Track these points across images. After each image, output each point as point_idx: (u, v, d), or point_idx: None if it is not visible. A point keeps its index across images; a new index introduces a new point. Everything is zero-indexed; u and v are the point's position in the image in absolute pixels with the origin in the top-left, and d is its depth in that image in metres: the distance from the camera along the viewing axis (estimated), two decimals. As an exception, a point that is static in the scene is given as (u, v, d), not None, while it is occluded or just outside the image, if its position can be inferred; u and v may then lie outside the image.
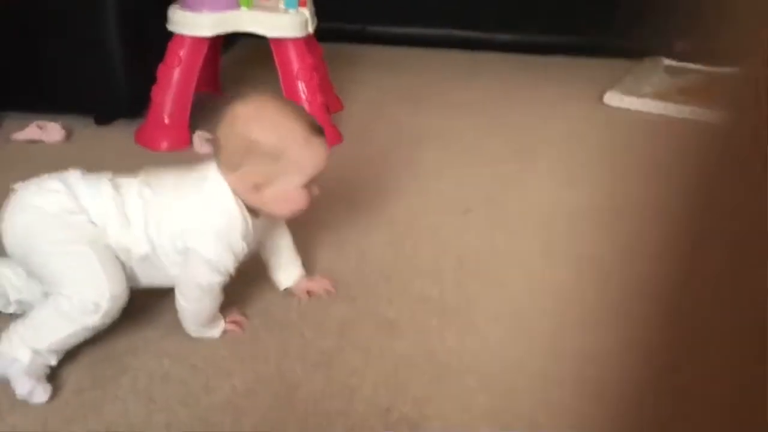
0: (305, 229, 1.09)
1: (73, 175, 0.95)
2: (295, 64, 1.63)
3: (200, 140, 1.62)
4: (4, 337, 0.88)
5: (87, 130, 1.69)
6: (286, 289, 1.09)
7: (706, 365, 0.44)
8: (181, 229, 0.93)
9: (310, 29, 1.65)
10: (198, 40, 1.59)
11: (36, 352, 0.86)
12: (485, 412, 0.88)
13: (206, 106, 1.84)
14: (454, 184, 1.52)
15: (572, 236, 1.31)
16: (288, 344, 0.99)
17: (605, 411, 0.86)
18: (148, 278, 0.96)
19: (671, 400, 0.47)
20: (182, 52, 1.59)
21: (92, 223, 0.92)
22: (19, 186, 0.95)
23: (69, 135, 1.65)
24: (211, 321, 0.98)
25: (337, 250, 1.23)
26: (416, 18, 2.54)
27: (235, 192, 0.93)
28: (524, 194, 1.48)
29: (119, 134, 1.68)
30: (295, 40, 1.61)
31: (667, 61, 2.40)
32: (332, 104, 1.89)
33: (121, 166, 1.51)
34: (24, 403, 0.86)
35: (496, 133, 1.82)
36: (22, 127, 1.63)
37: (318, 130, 0.95)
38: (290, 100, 0.98)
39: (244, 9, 1.58)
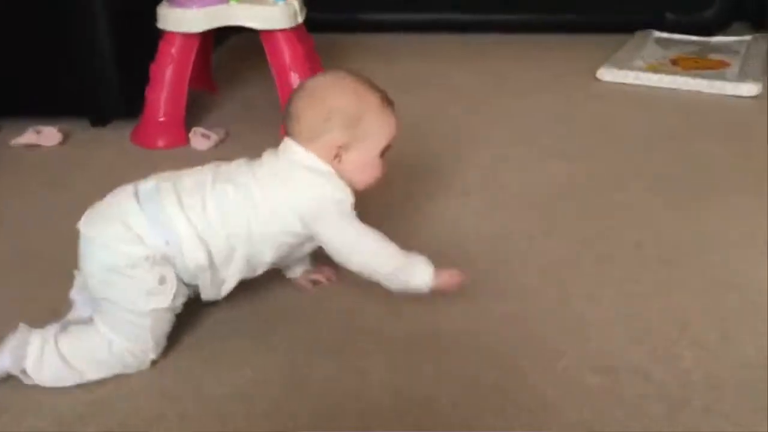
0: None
1: (133, 210, 0.90)
2: (287, 56, 1.62)
3: (197, 137, 1.62)
4: (38, 339, 0.88)
5: (83, 132, 1.69)
6: (292, 280, 1.09)
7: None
8: (285, 206, 0.92)
9: (300, 19, 1.65)
10: (189, 37, 1.59)
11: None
12: (493, 389, 0.89)
13: (200, 102, 1.85)
14: (454, 167, 1.52)
15: (573, 212, 1.32)
16: (297, 332, 0.99)
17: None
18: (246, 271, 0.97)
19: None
20: (173, 50, 1.59)
21: (166, 261, 0.90)
22: (85, 228, 0.91)
23: (66, 138, 1.65)
24: (405, 263, 0.94)
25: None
26: (408, 3, 2.53)
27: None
28: (523, 173, 1.48)
29: (115, 135, 1.68)
30: (285, 32, 1.61)
31: (658, 34, 2.40)
32: (326, 94, 1.89)
33: (120, 166, 1.53)
34: (38, 405, 0.87)
35: (493, 115, 1.82)
36: (19, 133, 1.63)
37: (390, 101, 0.98)
38: (359, 73, 1.00)
39: (233, 3, 1.58)
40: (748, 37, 2.31)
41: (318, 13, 2.06)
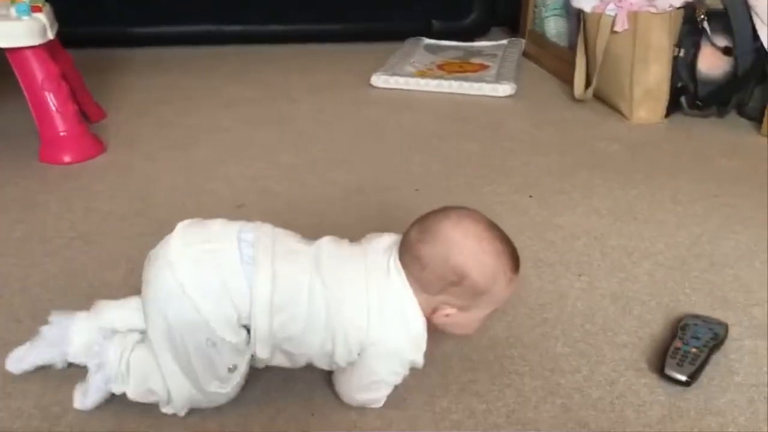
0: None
1: (233, 258, 0.79)
2: (39, 75, 1.51)
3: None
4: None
5: None
6: None
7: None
8: (359, 342, 0.82)
9: (50, 35, 1.54)
10: None
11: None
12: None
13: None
14: (228, 180, 1.50)
15: (346, 216, 1.35)
16: (49, 376, 0.92)
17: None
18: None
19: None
20: None
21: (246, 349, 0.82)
22: (178, 261, 0.79)
23: None
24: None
25: (102, 261, 1.17)
26: (181, 16, 2.47)
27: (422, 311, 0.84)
28: (298, 181, 1.50)
29: None
30: (34, 49, 1.49)
31: (427, 40, 2.54)
32: (92, 113, 1.79)
33: None
34: None
35: (270, 125, 1.83)
36: None
37: (518, 265, 0.86)
38: (495, 225, 0.85)
39: (-33, 19, 1.44)
40: (504, 41, 2.53)
41: (81, 28, 1.94)
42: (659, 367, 0.93)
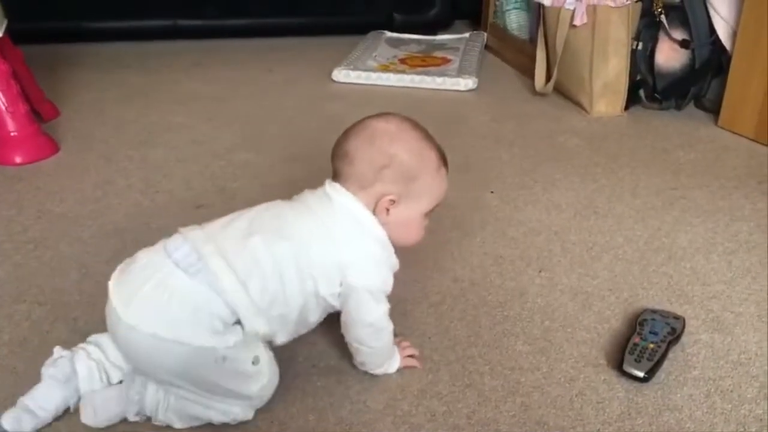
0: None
1: (186, 285, 0.78)
2: (-13, 73, 1.47)
3: None
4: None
5: None
6: None
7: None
8: (335, 266, 0.84)
9: (-1, 32, 1.50)
10: None
11: None
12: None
13: None
14: (186, 180, 1.48)
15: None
16: None
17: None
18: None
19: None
20: None
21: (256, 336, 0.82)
22: (129, 316, 0.77)
23: None
24: (391, 353, 0.92)
25: (54, 266, 1.14)
26: (137, 10, 2.42)
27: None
28: (258, 179, 1.48)
29: None
30: (-19, 47, 1.45)
31: (389, 34, 2.53)
32: (44, 111, 1.74)
33: None
34: None
35: (229, 122, 1.80)
36: None
37: (445, 161, 0.91)
38: (422, 126, 0.91)
39: None
40: (466, 35, 2.52)
41: (32, 23, 1.89)
42: (618, 363, 0.93)
